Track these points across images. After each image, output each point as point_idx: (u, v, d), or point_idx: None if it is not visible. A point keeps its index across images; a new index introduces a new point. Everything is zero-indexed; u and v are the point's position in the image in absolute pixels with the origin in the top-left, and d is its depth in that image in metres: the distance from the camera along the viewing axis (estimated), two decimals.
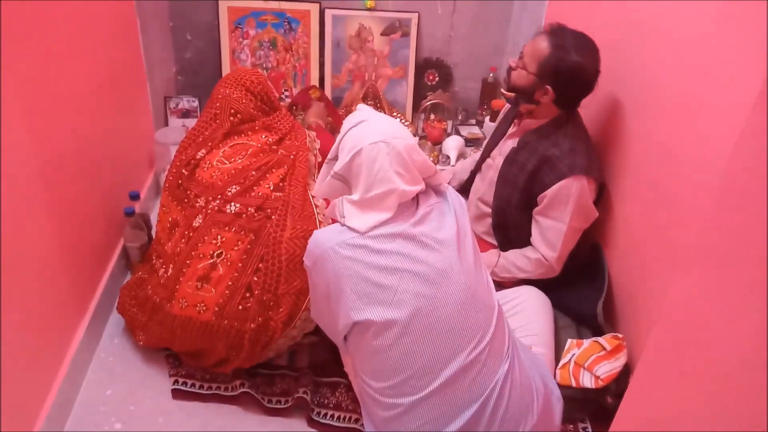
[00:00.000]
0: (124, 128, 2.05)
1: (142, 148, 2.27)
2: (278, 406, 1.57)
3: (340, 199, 1.32)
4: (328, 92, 2.71)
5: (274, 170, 1.59)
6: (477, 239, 1.91)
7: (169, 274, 1.55)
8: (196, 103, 2.55)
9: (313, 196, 1.57)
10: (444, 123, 2.73)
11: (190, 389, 1.60)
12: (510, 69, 1.72)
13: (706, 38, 1.31)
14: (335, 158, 1.36)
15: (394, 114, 2.74)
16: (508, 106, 1.93)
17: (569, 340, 1.63)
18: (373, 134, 1.28)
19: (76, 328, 1.62)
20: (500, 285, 1.78)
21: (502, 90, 1.80)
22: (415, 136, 2.69)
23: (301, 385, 1.58)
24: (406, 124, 2.75)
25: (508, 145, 1.81)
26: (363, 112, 1.37)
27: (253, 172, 1.57)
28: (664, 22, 1.50)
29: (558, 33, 1.60)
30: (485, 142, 2.07)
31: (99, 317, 1.74)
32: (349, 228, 1.26)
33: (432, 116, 2.74)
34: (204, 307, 1.50)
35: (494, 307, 1.31)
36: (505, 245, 1.84)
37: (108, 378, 1.63)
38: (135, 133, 2.20)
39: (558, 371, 1.58)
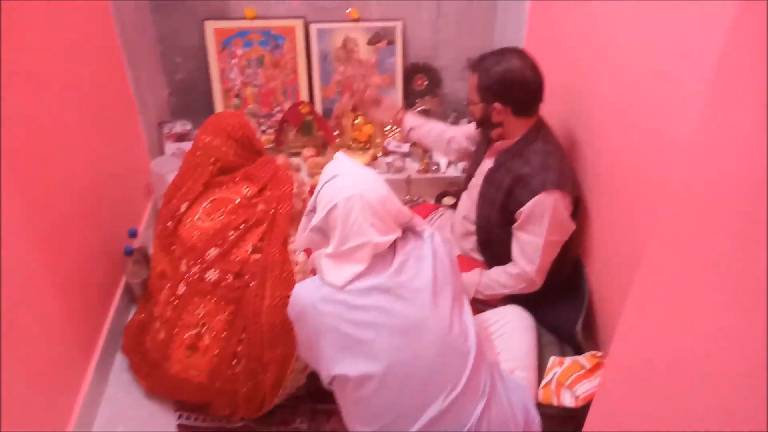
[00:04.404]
0: (119, 164, 2.12)
1: (139, 178, 2.34)
2: None
3: (317, 254, 1.37)
4: (318, 104, 2.75)
5: (253, 229, 1.63)
6: (464, 257, 1.98)
7: (162, 337, 1.63)
8: (189, 126, 2.61)
9: (293, 252, 1.63)
10: None
11: (194, 423, 1.71)
12: (471, 114, 1.83)
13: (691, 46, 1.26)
14: (314, 210, 1.41)
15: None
16: None
17: (552, 358, 1.68)
18: (348, 188, 1.33)
19: (85, 370, 1.73)
20: (485, 303, 1.85)
21: (475, 130, 1.92)
22: (406, 143, 2.72)
23: (298, 414, 1.68)
24: (396, 130, 2.78)
25: (486, 164, 1.87)
26: (338, 162, 1.42)
27: (232, 232, 1.61)
28: (643, 24, 1.47)
29: (477, 62, 1.73)
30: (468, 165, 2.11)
31: (107, 355, 1.84)
32: (327, 283, 1.32)
33: None
34: (196, 372, 1.59)
35: (469, 351, 1.35)
36: (491, 261, 1.90)
37: (118, 415, 1.74)
38: (130, 166, 2.27)
39: (541, 390, 1.64)
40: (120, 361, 1.89)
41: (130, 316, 1.97)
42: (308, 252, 1.65)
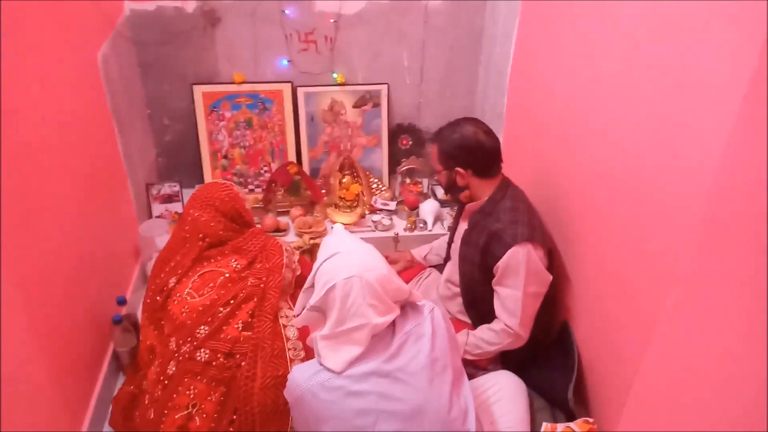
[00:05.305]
0: (107, 228, 2.11)
1: (127, 242, 2.34)
2: None
3: (314, 336, 1.37)
4: (305, 164, 2.80)
5: (243, 305, 1.62)
6: (451, 319, 2.01)
7: (152, 416, 1.61)
8: (177, 188, 2.63)
9: (284, 326, 1.63)
10: (419, 185, 2.82)
11: None
12: (439, 182, 1.97)
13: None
14: (312, 287, 1.40)
15: (372, 180, 2.82)
16: None
17: (544, 424, 1.70)
18: (347, 268, 1.32)
19: None
20: (475, 365, 1.86)
21: (445, 198, 1.99)
22: (392, 200, 2.77)
23: None
24: (383, 188, 2.84)
25: (462, 227, 1.95)
26: (337, 238, 1.43)
27: (221, 308, 1.60)
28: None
29: (436, 134, 1.89)
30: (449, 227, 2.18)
31: (95, 427, 1.79)
32: (325, 368, 1.32)
33: (408, 180, 2.83)
34: None
35: None
36: (477, 322, 1.93)
37: None
38: (118, 229, 2.26)
39: None
40: None
41: (118, 385, 1.95)
42: (302, 330, 1.65)
